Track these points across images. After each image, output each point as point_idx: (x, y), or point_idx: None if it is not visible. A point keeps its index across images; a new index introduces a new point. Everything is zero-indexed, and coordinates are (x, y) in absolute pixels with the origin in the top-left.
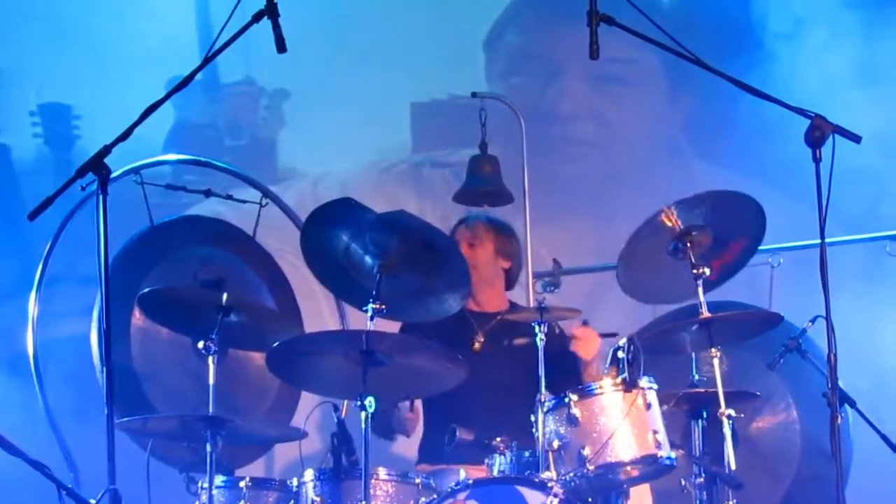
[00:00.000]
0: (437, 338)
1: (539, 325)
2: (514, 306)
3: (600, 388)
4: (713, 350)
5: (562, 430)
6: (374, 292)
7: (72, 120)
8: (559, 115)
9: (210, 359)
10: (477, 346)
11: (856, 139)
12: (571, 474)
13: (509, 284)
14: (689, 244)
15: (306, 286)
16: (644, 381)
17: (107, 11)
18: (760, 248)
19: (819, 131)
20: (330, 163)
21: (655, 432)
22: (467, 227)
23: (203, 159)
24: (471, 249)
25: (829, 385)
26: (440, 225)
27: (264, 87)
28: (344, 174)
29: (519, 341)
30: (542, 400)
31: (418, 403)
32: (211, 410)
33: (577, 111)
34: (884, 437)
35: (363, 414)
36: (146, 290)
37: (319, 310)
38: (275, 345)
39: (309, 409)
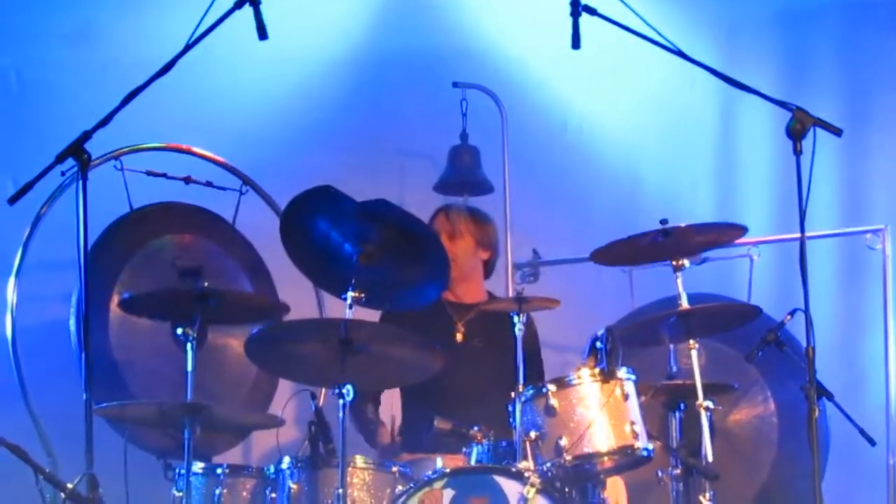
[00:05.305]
0: (416, 328)
1: (517, 315)
2: (491, 297)
3: (578, 378)
4: (691, 342)
5: (539, 421)
6: (352, 281)
7: None
8: (537, 103)
9: (188, 346)
10: (459, 336)
11: (837, 132)
12: (548, 464)
13: (487, 273)
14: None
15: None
16: (622, 372)
17: None
18: (740, 240)
19: (800, 124)
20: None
21: (633, 423)
22: (447, 218)
23: (184, 146)
24: (451, 242)
25: (808, 378)
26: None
27: None
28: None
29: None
30: (520, 391)
31: (396, 423)
32: (189, 397)
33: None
34: (861, 431)
35: (341, 402)
36: (126, 296)
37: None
38: (253, 332)
39: (286, 397)
